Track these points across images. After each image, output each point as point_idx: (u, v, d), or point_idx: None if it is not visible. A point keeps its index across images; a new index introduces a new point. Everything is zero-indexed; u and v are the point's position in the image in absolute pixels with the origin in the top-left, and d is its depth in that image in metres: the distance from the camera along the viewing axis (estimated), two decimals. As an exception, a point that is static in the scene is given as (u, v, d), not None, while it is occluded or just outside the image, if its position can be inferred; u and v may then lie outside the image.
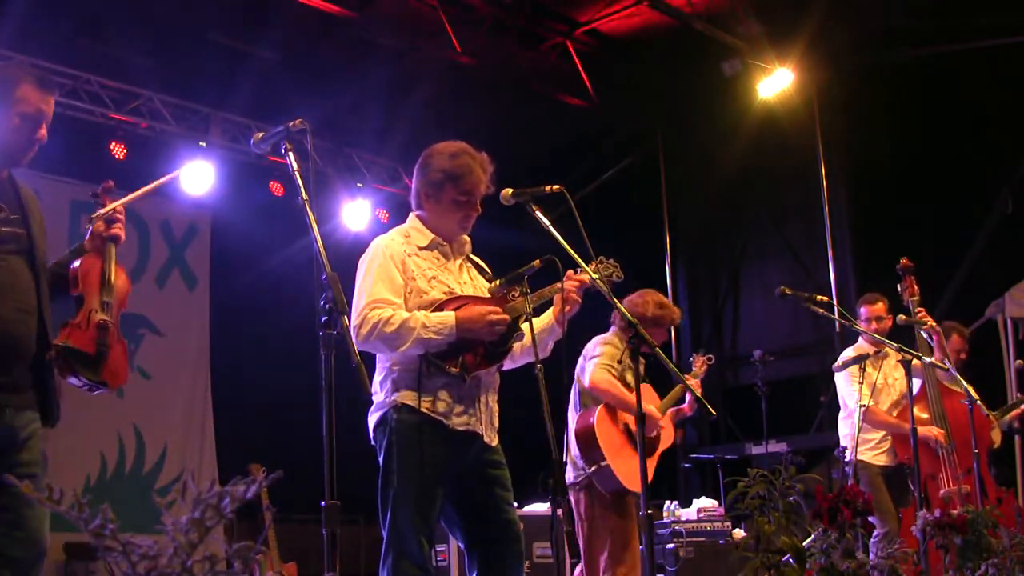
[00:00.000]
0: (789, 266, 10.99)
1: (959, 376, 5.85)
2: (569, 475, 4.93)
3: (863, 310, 6.12)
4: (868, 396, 5.73)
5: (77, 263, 3.13)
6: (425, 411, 3.34)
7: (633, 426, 4.88)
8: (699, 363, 5.71)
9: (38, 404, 2.98)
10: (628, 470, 4.82)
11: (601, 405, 4.91)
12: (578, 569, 4.99)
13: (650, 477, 4.89)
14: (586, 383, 4.93)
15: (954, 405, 5.82)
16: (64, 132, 7.99)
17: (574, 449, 4.94)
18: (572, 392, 5.13)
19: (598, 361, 4.94)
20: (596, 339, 5.15)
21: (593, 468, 4.81)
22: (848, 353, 6.04)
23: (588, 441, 4.85)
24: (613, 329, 5.20)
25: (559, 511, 3.03)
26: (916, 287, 6.02)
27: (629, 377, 5.02)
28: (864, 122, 9.60)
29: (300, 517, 8.59)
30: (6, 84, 2.99)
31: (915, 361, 5.11)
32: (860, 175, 10.13)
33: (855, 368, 5.71)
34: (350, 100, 9.33)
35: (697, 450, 10.94)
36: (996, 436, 6.34)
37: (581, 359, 5.12)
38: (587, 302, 3.60)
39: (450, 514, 3.47)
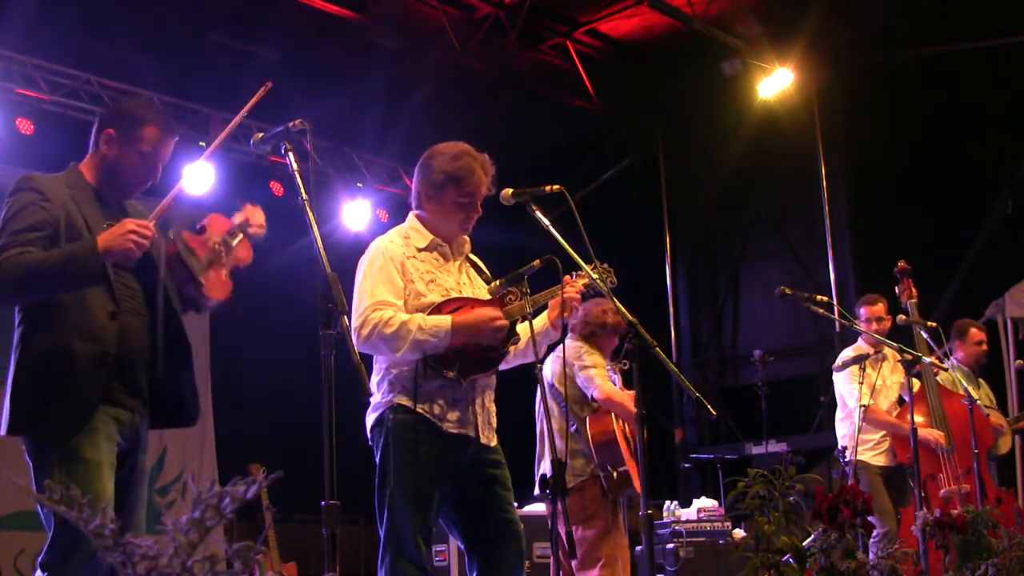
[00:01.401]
0: (789, 266, 10.99)
1: (959, 376, 5.86)
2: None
3: (863, 311, 6.12)
4: (868, 396, 5.73)
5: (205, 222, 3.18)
6: (421, 412, 3.34)
7: (629, 433, 4.94)
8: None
9: (148, 413, 3.11)
10: (635, 474, 4.88)
11: (611, 414, 4.92)
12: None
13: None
14: (597, 395, 4.92)
15: (954, 406, 5.82)
16: (64, 132, 8.01)
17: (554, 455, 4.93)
18: (548, 395, 5.00)
19: (597, 372, 4.93)
20: (571, 345, 5.04)
21: (616, 475, 4.82)
22: (847, 353, 6.04)
23: (610, 447, 4.86)
24: (573, 336, 5.13)
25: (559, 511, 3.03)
26: (914, 289, 6.03)
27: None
28: (864, 122, 9.60)
29: (300, 517, 8.58)
30: (134, 122, 3.14)
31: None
32: (860, 175, 10.13)
33: (855, 368, 5.71)
34: (350, 100, 9.32)
35: (697, 450, 10.94)
36: (1005, 443, 6.33)
37: (558, 363, 4.99)
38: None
39: (449, 514, 3.47)
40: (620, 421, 4.98)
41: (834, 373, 6.07)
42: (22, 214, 2.92)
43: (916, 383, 5.76)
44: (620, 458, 4.82)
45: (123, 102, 3.33)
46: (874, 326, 5.96)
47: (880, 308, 6.08)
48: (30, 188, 2.97)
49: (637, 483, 4.86)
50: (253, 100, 3.27)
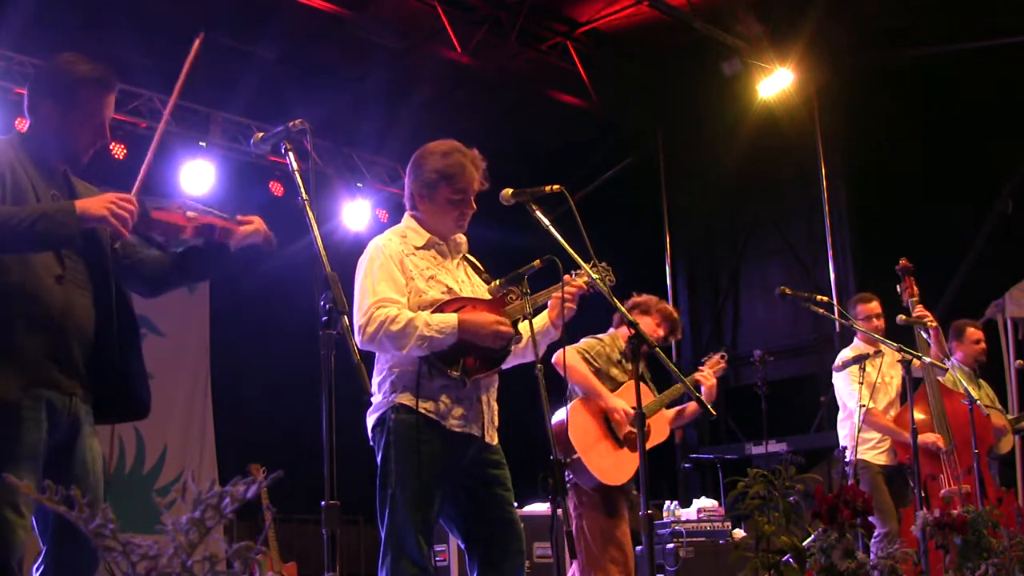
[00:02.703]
0: (789, 266, 10.99)
1: (958, 376, 5.85)
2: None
3: (858, 309, 6.10)
4: (868, 396, 5.72)
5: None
6: (423, 411, 3.34)
7: (612, 419, 4.91)
8: (711, 363, 5.61)
9: (90, 399, 2.88)
10: (603, 464, 4.79)
11: (576, 399, 4.92)
12: (573, 566, 4.98)
13: (631, 473, 4.92)
14: (553, 360, 4.89)
15: (955, 406, 5.82)
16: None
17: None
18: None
19: (577, 347, 4.98)
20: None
21: (570, 461, 4.80)
22: (846, 353, 6.02)
23: (560, 436, 4.85)
24: (610, 331, 5.24)
25: (559, 511, 3.03)
26: (916, 287, 6.03)
27: (614, 372, 5.06)
28: (864, 122, 9.60)
29: (300, 517, 8.58)
30: (70, 86, 2.92)
31: (915, 361, 5.10)
32: (860, 175, 10.13)
33: (855, 368, 5.70)
34: (350, 100, 9.32)
35: (697, 450, 10.94)
36: (1006, 443, 6.32)
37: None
38: (583, 303, 3.60)
39: (450, 514, 3.47)
40: (593, 408, 4.91)
41: (834, 374, 6.06)
42: None
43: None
44: (570, 447, 4.77)
45: (53, 64, 2.99)
46: (874, 323, 5.95)
47: (875, 305, 6.07)
48: None
49: (610, 475, 4.79)
50: (189, 59, 3.10)
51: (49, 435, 2.73)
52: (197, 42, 3.08)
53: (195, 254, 3.10)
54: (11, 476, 1.49)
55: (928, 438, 5.72)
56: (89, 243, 2.85)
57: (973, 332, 6.40)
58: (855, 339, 6.19)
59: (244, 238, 3.07)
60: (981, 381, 6.42)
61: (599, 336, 5.17)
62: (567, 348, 4.90)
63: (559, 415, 4.92)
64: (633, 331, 3.17)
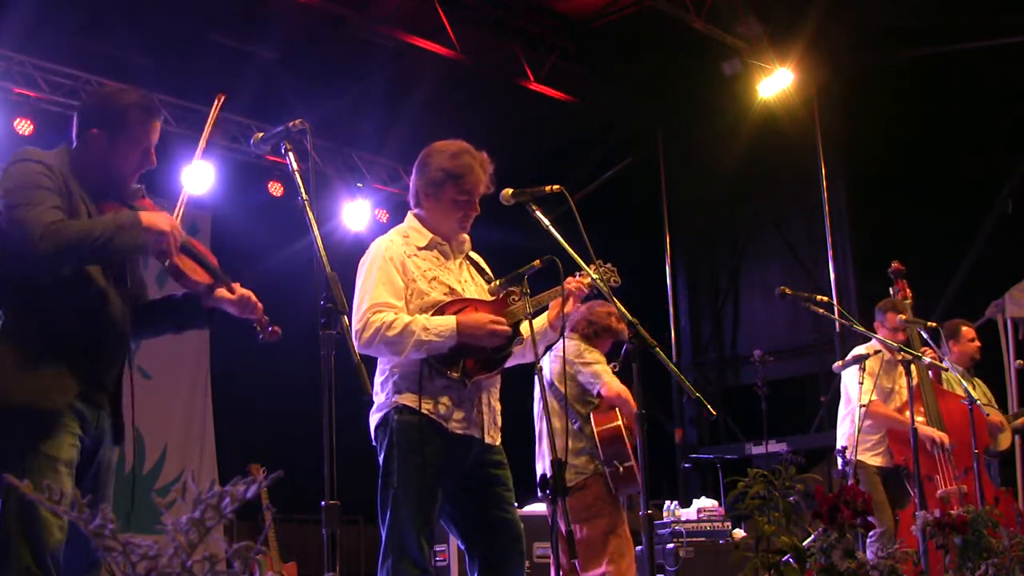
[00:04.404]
0: (789, 266, 10.99)
1: (959, 376, 5.85)
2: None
3: (888, 316, 6.00)
4: (869, 395, 5.71)
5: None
6: (425, 412, 3.34)
7: (633, 431, 4.94)
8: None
9: (113, 414, 3.03)
10: (637, 471, 4.90)
11: (616, 409, 4.94)
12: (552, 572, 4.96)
13: None
14: (603, 392, 4.93)
15: (949, 406, 5.81)
16: (64, 132, 8.02)
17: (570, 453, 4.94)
18: (549, 394, 5.00)
19: (603, 369, 4.96)
20: (570, 344, 5.06)
21: (623, 469, 4.83)
22: (859, 351, 5.99)
23: (616, 442, 4.87)
24: (572, 335, 5.12)
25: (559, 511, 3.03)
26: (908, 290, 6.03)
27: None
28: (864, 122, 9.60)
29: (300, 517, 8.59)
30: (117, 115, 2.99)
31: (914, 364, 5.10)
32: (860, 175, 10.13)
33: (855, 368, 5.70)
34: (350, 100, 9.33)
35: (697, 450, 10.94)
36: (1004, 439, 6.32)
37: (557, 362, 5.01)
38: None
39: (451, 514, 3.46)
40: (623, 418, 4.99)
41: (843, 369, 6.02)
42: (36, 180, 2.79)
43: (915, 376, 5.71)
44: (626, 453, 4.83)
45: (102, 94, 3.17)
46: (901, 336, 5.89)
47: (905, 317, 6.02)
48: (35, 160, 2.86)
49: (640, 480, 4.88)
50: (212, 115, 3.21)
51: (80, 442, 2.86)
52: (219, 101, 3.19)
53: (172, 306, 3.20)
54: (11, 476, 1.49)
55: (935, 433, 5.72)
56: (125, 265, 3.00)
57: (968, 331, 6.42)
58: (872, 340, 6.14)
59: (218, 301, 3.12)
60: (976, 380, 6.42)
61: (586, 346, 5.11)
62: (608, 374, 4.93)
63: (605, 420, 4.93)
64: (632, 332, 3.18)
